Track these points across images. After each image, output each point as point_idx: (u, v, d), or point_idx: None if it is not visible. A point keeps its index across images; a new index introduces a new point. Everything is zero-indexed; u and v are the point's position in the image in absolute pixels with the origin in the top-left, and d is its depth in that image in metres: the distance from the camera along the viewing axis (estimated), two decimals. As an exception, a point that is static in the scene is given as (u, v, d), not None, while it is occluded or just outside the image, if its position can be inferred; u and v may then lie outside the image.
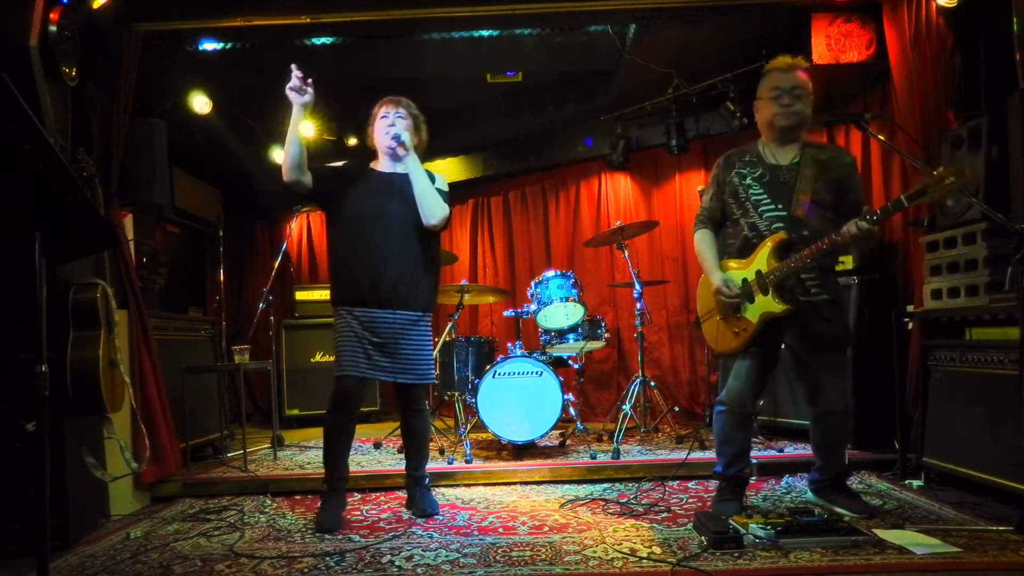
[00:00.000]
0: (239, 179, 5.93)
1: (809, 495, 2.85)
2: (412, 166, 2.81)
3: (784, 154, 2.64)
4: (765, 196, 2.60)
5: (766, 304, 2.55)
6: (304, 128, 2.87)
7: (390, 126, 2.85)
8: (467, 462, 3.70)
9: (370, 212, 2.79)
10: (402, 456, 4.02)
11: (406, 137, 2.81)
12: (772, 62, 2.65)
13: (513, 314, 4.51)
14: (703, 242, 2.77)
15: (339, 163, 3.01)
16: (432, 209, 2.78)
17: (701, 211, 2.83)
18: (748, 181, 2.64)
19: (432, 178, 2.89)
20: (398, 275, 2.76)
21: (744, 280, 2.63)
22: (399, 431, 4.71)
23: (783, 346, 2.72)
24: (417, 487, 2.99)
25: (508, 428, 3.87)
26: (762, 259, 2.57)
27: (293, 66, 2.69)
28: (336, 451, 2.86)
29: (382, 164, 2.95)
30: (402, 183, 2.85)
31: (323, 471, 2.87)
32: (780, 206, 2.58)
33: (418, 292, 2.83)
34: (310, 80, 2.72)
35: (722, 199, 2.73)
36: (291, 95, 2.71)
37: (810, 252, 2.45)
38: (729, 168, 2.72)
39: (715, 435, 2.82)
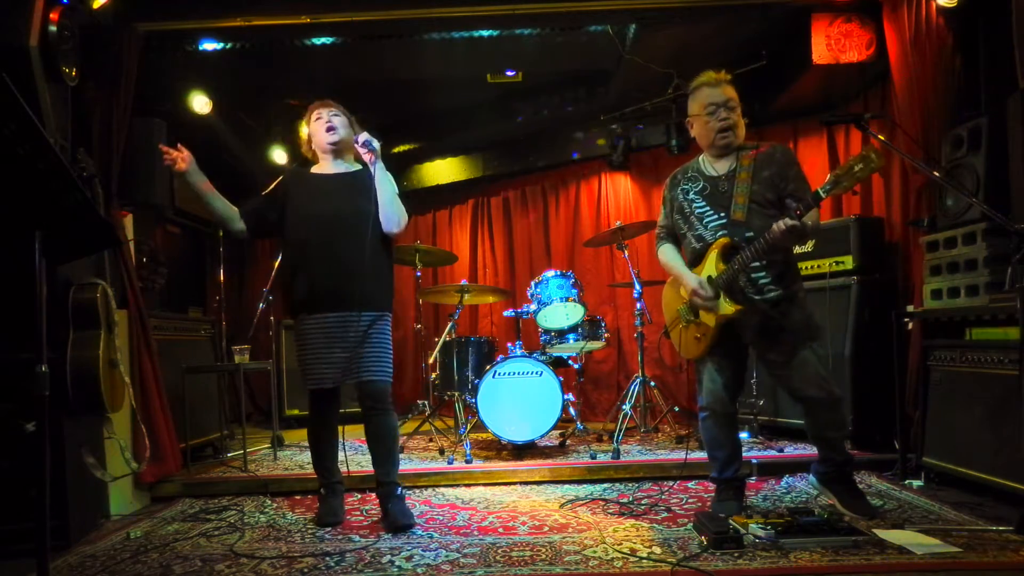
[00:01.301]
0: (239, 179, 5.92)
1: (812, 479, 2.83)
2: (380, 172, 2.74)
3: (723, 163, 2.69)
4: (707, 207, 2.66)
5: (720, 307, 2.59)
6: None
7: (329, 127, 2.81)
8: (467, 462, 3.70)
9: (320, 215, 2.74)
10: (401, 456, 4.05)
11: (376, 144, 2.73)
12: (699, 79, 2.71)
13: (513, 314, 4.51)
14: (668, 254, 2.84)
15: (270, 187, 2.92)
16: (396, 216, 2.74)
17: (659, 229, 2.91)
18: (691, 196, 2.71)
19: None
20: (356, 274, 2.66)
21: None
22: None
23: (750, 348, 2.76)
24: (389, 498, 2.75)
25: (508, 428, 3.87)
26: (710, 265, 2.62)
27: (160, 146, 2.75)
28: (322, 458, 2.91)
29: (325, 166, 2.89)
30: (351, 181, 2.81)
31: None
32: (722, 214, 2.63)
33: (378, 290, 2.77)
34: (173, 151, 2.70)
35: (672, 216, 2.80)
36: (175, 170, 2.74)
37: (751, 253, 2.48)
38: (674, 187, 2.79)
39: (704, 441, 2.83)
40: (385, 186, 2.74)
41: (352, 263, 2.67)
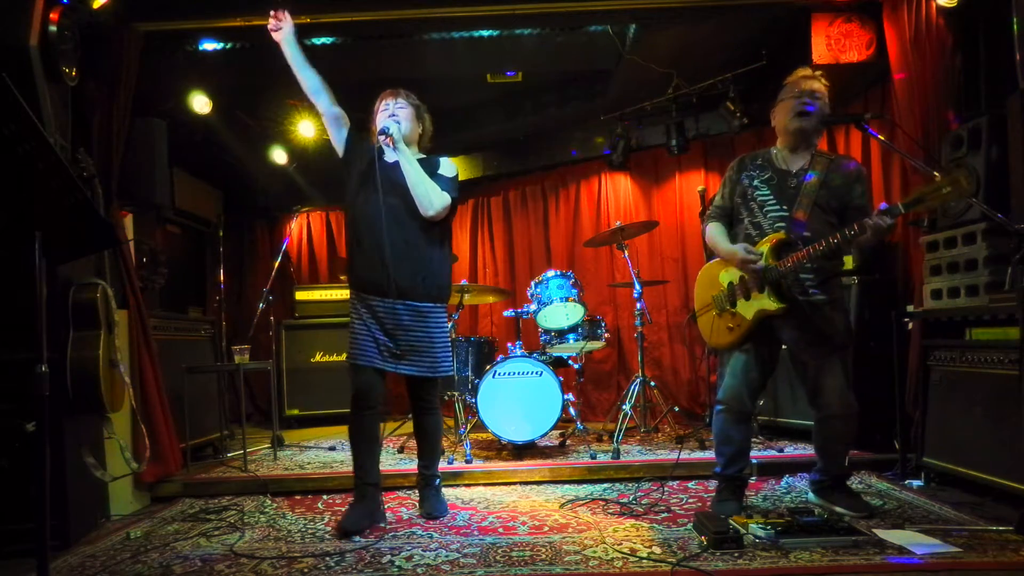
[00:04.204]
0: (239, 179, 5.92)
1: (810, 496, 2.85)
2: (402, 157, 2.73)
3: (795, 160, 2.69)
4: (771, 197, 2.67)
5: (761, 301, 2.59)
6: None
7: (390, 117, 2.81)
8: (467, 462, 3.70)
9: (376, 200, 2.72)
10: (402, 456, 4.06)
11: (394, 129, 2.73)
12: (795, 72, 2.73)
13: (513, 314, 4.51)
14: (715, 231, 2.80)
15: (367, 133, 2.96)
16: (427, 199, 2.71)
17: (712, 208, 2.89)
18: (756, 183, 2.71)
19: (436, 164, 2.84)
20: (405, 265, 2.70)
21: (741, 278, 2.66)
22: (399, 431, 4.74)
23: (783, 347, 2.74)
24: (428, 487, 2.95)
25: (508, 428, 3.87)
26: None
27: (272, 12, 2.75)
28: (358, 453, 2.79)
29: (388, 152, 2.89)
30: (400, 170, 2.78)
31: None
32: (784, 207, 2.63)
33: (427, 282, 2.76)
34: (280, 15, 2.75)
35: (732, 199, 2.80)
36: (273, 36, 2.77)
37: (816, 249, 2.46)
38: (740, 170, 2.79)
39: (714, 435, 2.82)
40: (409, 169, 2.73)
41: (399, 253, 2.69)
